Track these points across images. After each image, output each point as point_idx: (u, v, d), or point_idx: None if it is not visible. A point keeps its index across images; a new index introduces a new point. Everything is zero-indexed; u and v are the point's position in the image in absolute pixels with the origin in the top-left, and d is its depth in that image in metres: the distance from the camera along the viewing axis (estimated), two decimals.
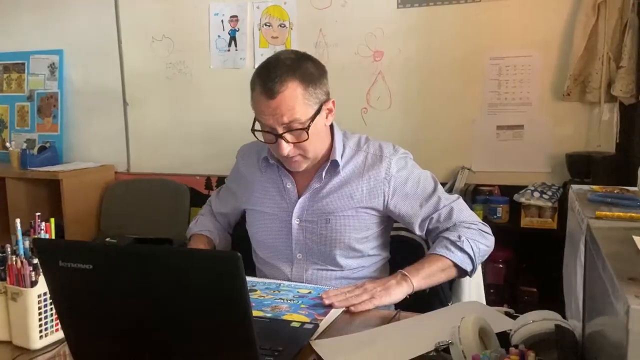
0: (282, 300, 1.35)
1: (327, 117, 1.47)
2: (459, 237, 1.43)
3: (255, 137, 1.46)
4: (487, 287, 2.16)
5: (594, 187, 1.13)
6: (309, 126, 1.38)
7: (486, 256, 1.50)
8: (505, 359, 0.75)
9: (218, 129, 3.13)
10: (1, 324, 1.15)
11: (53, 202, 3.20)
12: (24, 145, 3.40)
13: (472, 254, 1.42)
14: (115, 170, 3.41)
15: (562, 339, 0.87)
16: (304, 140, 1.40)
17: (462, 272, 1.44)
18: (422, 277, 1.36)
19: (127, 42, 3.30)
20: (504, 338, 0.99)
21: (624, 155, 2.42)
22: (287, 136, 1.40)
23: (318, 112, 1.41)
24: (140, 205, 3.23)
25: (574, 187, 1.15)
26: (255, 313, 1.29)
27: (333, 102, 1.47)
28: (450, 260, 1.40)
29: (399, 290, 1.33)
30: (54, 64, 3.43)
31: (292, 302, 1.34)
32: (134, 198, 3.27)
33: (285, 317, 1.25)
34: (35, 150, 3.30)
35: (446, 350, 0.98)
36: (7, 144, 3.43)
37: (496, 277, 2.55)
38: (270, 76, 1.36)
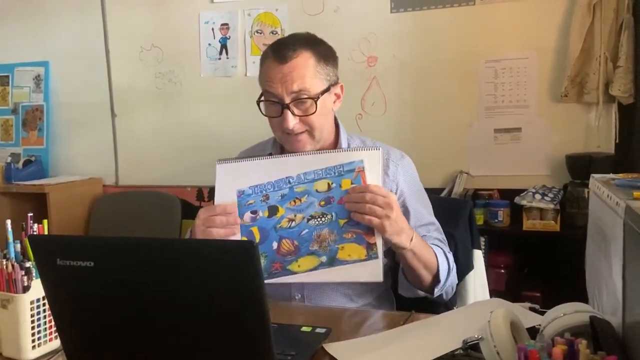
0: (315, 221, 1.26)
1: (334, 102, 1.42)
2: (449, 251, 1.40)
3: (260, 109, 1.39)
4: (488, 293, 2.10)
5: (616, 175, 1.09)
6: (318, 98, 1.32)
7: (442, 293, 1.40)
8: (554, 348, 0.69)
9: (209, 138, 3.06)
10: None
11: (39, 216, 3.08)
12: (9, 159, 3.30)
13: (448, 271, 1.36)
14: (103, 183, 3.32)
15: (600, 330, 0.81)
16: (312, 114, 1.33)
17: (431, 284, 1.35)
18: (415, 259, 1.29)
19: (115, 52, 3.24)
20: (532, 333, 0.93)
21: (624, 155, 2.40)
22: (294, 109, 1.33)
23: (327, 90, 1.36)
24: (129, 219, 3.13)
25: (596, 176, 1.10)
26: (307, 262, 1.26)
27: (341, 86, 1.42)
28: (437, 262, 1.33)
29: (399, 243, 1.25)
30: (39, 75, 3.35)
31: (322, 221, 1.26)
32: (123, 211, 3.17)
33: (339, 255, 1.25)
34: (20, 164, 3.21)
35: (473, 347, 0.92)
36: None
37: (497, 283, 2.48)
38: (284, 44, 1.35)
